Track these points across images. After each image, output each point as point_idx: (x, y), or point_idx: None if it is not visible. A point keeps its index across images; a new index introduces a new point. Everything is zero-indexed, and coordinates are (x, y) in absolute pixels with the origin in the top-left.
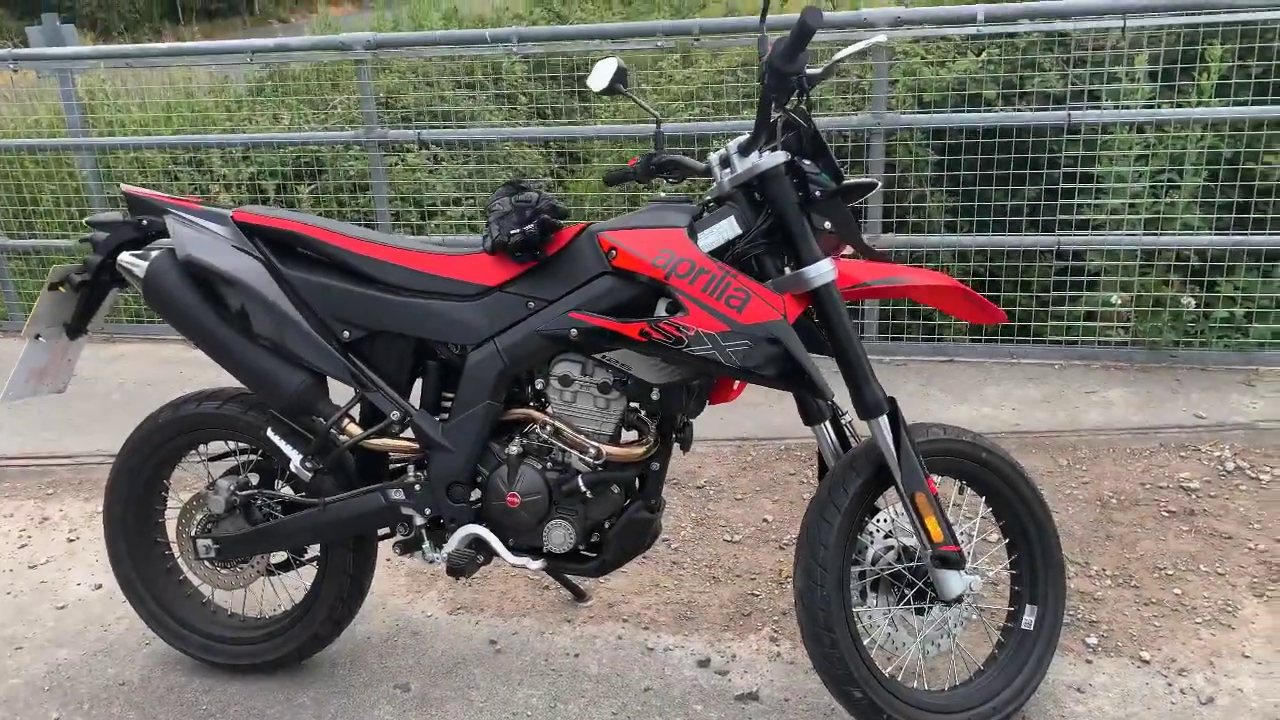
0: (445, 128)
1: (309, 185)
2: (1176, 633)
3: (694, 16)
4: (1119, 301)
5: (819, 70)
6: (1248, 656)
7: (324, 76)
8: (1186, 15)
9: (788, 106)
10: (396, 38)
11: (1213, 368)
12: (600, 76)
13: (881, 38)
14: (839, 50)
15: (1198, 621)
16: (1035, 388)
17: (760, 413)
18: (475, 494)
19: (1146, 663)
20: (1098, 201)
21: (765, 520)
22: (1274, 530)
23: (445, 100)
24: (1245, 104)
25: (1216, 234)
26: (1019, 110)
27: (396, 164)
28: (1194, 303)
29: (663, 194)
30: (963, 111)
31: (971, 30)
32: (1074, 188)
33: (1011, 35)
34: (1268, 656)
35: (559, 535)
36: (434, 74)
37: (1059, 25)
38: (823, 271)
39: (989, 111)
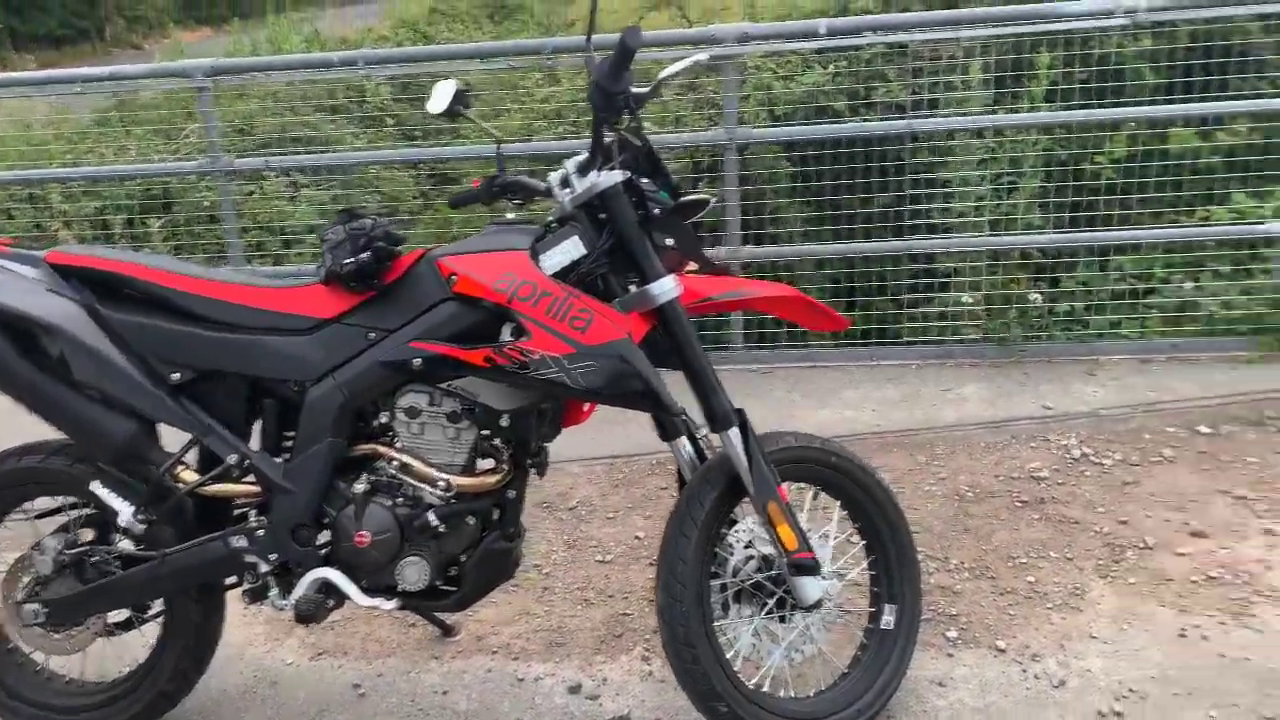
0: (302, 153)
1: (159, 219)
2: (1030, 619)
3: (560, 35)
4: (970, 300)
5: (645, 89)
6: (1095, 637)
7: (176, 105)
8: (1014, 25)
9: (620, 126)
10: (237, 63)
11: (1057, 360)
12: (439, 99)
13: (703, 56)
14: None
15: (1049, 606)
16: (894, 388)
17: (631, 430)
18: (325, 536)
19: (1003, 651)
20: (945, 205)
21: (637, 538)
22: (1117, 513)
23: (304, 126)
24: (1074, 108)
25: (1056, 232)
26: (866, 120)
27: (254, 193)
28: (1040, 298)
29: (510, 215)
30: (813, 124)
31: (816, 44)
32: (922, 193)
33: (856, 48)
34: (1113, 635)
35: (413, 573)
36: (294, 99)
37: (899, 37)
38: (666, 289)
39: (837, 122)
